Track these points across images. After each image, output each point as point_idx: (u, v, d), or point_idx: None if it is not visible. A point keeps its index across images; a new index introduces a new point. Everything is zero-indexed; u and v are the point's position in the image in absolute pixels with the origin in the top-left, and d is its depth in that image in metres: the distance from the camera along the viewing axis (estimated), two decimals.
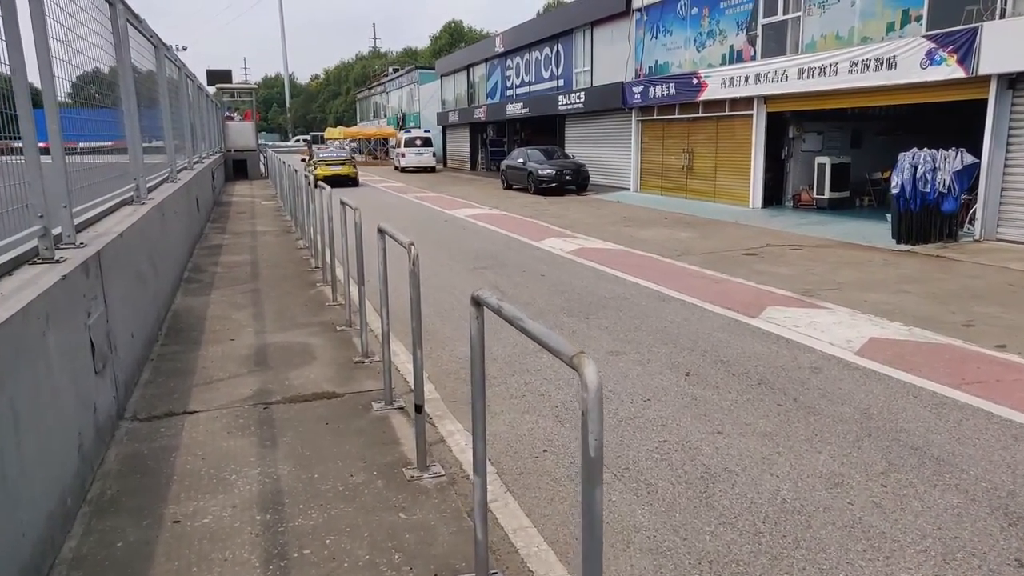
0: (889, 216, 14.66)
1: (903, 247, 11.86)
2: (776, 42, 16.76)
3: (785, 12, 16.39)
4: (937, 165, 11.61)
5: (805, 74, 15.14)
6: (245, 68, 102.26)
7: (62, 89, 4.26)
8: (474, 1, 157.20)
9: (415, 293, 3.51)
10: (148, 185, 8.01)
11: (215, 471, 3.84)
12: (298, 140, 75.52)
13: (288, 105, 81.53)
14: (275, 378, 5.26)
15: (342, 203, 6.35)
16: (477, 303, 2.44)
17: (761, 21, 17.09)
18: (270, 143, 65.89)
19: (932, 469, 4.17)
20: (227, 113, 32.04)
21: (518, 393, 5.48)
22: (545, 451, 4.45)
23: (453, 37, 73.54)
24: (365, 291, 5.72)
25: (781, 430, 4.77)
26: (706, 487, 3.98)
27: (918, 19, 13.18)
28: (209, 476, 3.78)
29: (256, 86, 39.89)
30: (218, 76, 31.41)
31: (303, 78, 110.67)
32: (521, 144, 33.32)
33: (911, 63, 12.73)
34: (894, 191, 12.06)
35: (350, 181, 27.03)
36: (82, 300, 3.87)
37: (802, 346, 6.63)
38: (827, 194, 16.85)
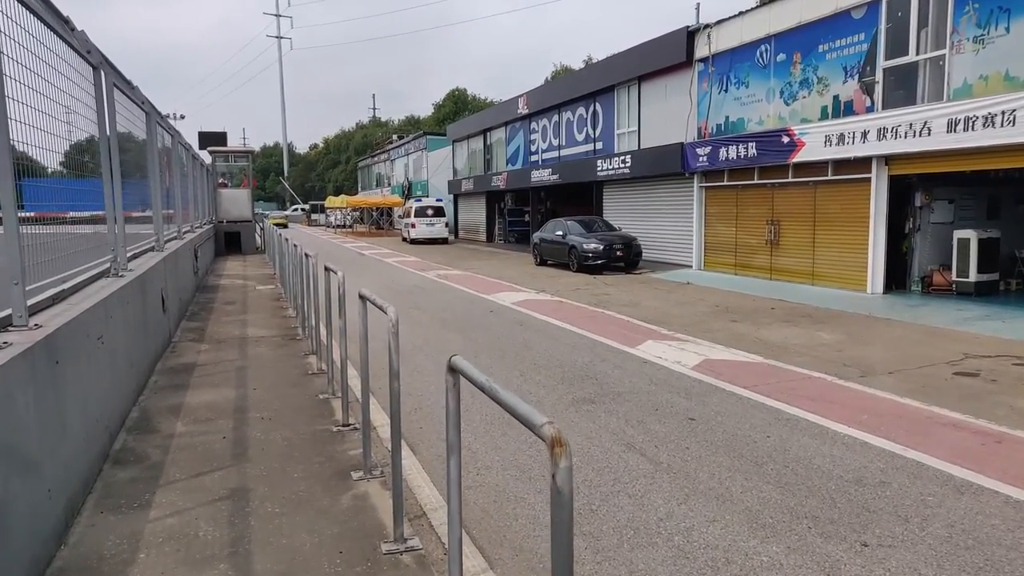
0: None
1: None
2: (905, 88, 13.45)
3: (919, 52, 13.12)
4: None
5: (960, 126, 11.76)
6: (244, 138, 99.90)
7: None
8: (475, 74, 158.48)
9: None
10: (41, 295, 4.33)
11: None
12: (296, 209, 72.47)
13: (286, 174, 78.93)
14: None
15: (454, 365, 2.61)
16: None
17: (882, 64, 13.83)
18: (267, 212, 62.76)
19: None
20: (220, 179, 28.67)
21: None
22: None
23: (457, 104, 71.41)
24: None
25: None
26: None
27: None
28: None
29: (253, 150, 36.75)
30: (211, 138, 28.14)
31: (302, 147, 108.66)
32: (546, 213, 30.04)
33: None
34: None
35: (284, 227, 41.08)
36: None
37: None
38: (972, 276, 13.31)
